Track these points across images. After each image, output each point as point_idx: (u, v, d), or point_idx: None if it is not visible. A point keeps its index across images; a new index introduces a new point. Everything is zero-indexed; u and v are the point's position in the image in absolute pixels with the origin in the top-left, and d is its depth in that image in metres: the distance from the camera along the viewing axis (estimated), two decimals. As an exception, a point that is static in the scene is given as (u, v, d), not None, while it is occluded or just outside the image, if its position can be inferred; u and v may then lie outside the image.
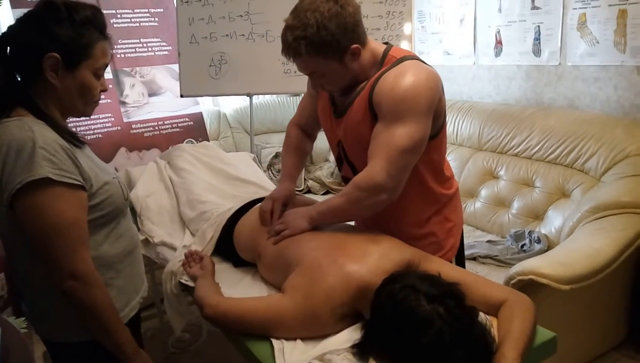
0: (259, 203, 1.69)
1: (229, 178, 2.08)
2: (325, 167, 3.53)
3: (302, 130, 1.68)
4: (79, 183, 1.06)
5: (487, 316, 1.14)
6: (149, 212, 1.97)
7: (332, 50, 1.29)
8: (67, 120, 1.19)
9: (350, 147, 1.42)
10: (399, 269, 1.21)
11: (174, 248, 1.80)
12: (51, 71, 1.07)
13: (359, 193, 1.31)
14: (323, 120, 1.52)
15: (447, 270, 1.22)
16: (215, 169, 2.11)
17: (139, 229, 1.95)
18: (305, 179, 3.56)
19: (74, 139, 1.13)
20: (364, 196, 1.31)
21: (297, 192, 1.67)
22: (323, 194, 3.45)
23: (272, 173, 3.51)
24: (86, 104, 1.16)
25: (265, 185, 2.09)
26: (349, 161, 1.45)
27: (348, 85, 1.38)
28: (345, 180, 1.52)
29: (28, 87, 1.10)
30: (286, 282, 1.26)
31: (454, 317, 0.98)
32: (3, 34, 1.10)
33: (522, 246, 2.37)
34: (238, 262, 1.63)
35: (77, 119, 3.16)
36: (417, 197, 1.42)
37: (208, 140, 3.49)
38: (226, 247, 1.67)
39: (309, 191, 3.53)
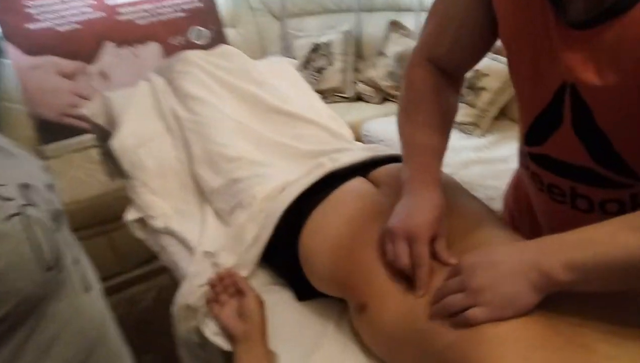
0: (345, 185, 0.92)
1: (269, 110, 1.28)
2: (381, 65, 2.62)
3: (441, 71, 0.81)
4: None
5: None
6: (144, 172, 1.21)
7: None
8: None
9: (611, 99, 0.59)
10: None
11: (188, 247, 1.07)
12: None
13: None
14: (519, 38, 0.68)
15: None
16: (246, 95, 1.30)
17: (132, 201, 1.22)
18: (354, 82, 2.70)
19: None
20: None
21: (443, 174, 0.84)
22: (377, 104, 2.61)
23: (312, 74, 2.65)
24: None
25: (329, 124, 1.29)
26: (589, 132, 0.63)
27: None
28: (536, 178, 0.74)
29: None
30: None
31: None
32: None
33: None
34: (305, 292, 0.91)
35: (43, 3, 2.33)
36: None
37: (222, 30, 2.60)
38: (282, 259, 0.94)
39: (359, 99, 2.68)
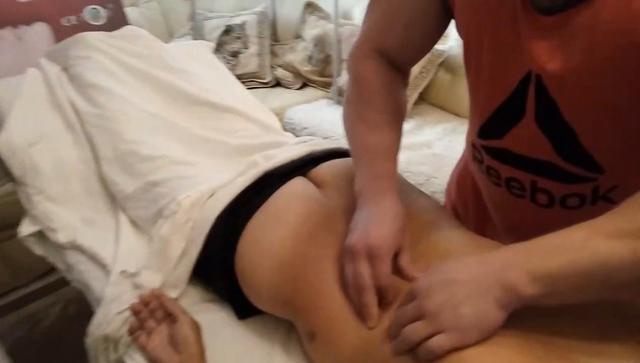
0: (285, 187, 0.82)
1: (189, 101, 1.14)
2: (299, 48, 2.53)
3: (390, 63, 0.74)
4: None
5: None
6: (39, 176, 1.02)
7: None
8: None
9: (578, 89, 0.55)
10: None
11: (101, 264, 0.92)
12: None
13: None
14: (481, 27, 0.61)
15: None
16: (161, 83, 1.14)
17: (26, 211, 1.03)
18: (272, 66, 2.57)
19: None
20: None
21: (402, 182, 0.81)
22: (298, 89, 2.52)
23: (226, 58, 2.48)
24: None
25: (257, 115, 1.17)
26: (554, 126, 0.59)
27: None
28: (492, 173, 0.70)
29: None
30: None
31: None
32: None
33: None
34: (245, 308, 0.80)
35: None
36: None
37: (122, 9, 2.35)
38: (216, 275, 0.83)
39: (278, 84, 2.57)
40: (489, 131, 0.67)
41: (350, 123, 0.74)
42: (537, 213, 0.68)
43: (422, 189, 1.73)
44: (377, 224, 0.63)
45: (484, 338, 0.51)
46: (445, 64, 2.18)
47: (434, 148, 1.90)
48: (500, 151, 0.66)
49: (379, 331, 0.60)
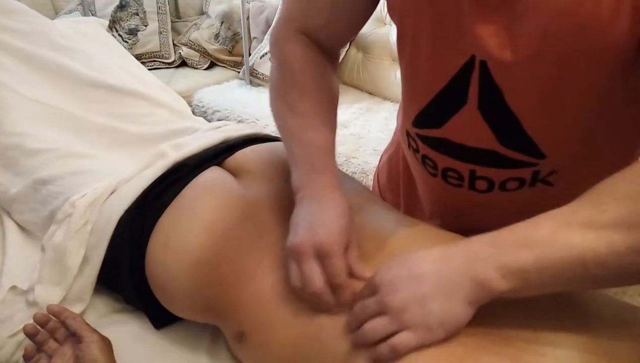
0: (198, 178, 0.74)
1: (81, 84, 0.99)
2: (205, 25, 2.38)
3: (316, 44, 0.68)
4: None
5: None
6: None
7: None
8: None
9: (524, 75, 0.52)
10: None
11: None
12: None
13: None
14: (417, 10, 0.56)
15: None
16: (47, 65, 0.99)
17: None
18: (175, 45, 2.40)
19: None
20: None
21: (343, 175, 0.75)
22: (206, 69, 2.38)
23: (121, 35, 2.27)
24: None
25: (163, 98, 1.06)
26: (497, 114, 0.56)
27: None
28: (428, 163, 0.67)
29: None
30: None
31: None
32: None
33: None
34: (163, 316, 0.72)
35: None
36: None
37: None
38: (125, 283, 0.73)
39: (183, 64, 2.40)
40: (427, 120, 0.63)
41: (280, 114, 0.68)
42: (474, 198, 0.66)
43: (342, 170, 1.70)
44: (323, 220, 0.57)
45: (450, 335, 0.48)
46: (356, 43, 2.17)
47: (351, 128, 1.88)
48: (438, 141, 0.63)
49: (315, 327, 0.56)
